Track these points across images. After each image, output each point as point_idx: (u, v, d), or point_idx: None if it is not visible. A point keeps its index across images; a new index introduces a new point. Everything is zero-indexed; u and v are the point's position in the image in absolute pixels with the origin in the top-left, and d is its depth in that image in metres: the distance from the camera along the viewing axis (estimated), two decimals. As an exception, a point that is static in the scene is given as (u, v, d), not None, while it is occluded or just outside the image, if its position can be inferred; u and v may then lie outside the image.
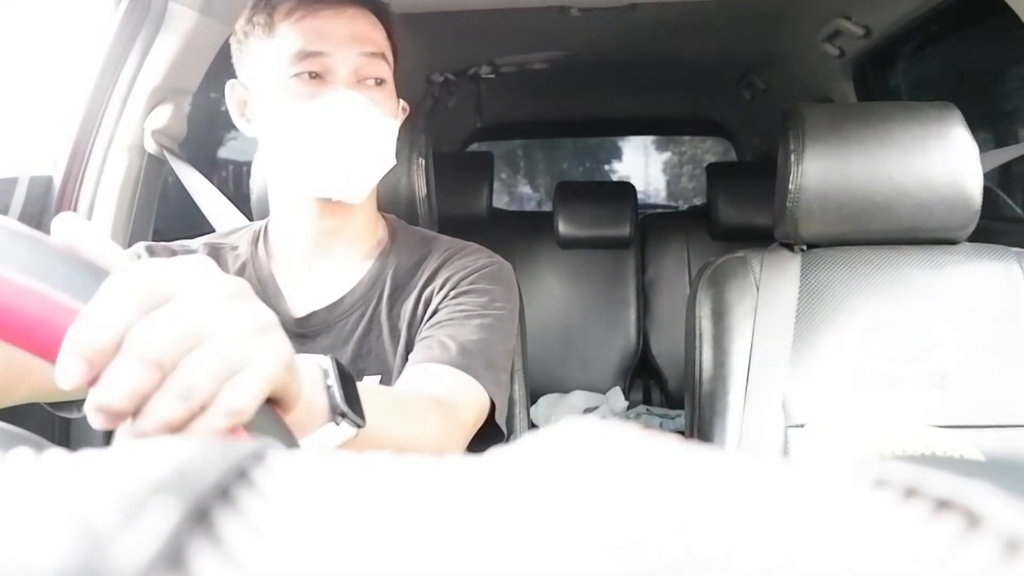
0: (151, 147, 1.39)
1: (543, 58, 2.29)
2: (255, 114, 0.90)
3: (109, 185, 1.37)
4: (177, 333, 0.35)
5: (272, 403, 0.41)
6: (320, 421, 0.49)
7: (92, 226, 0.39)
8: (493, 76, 2.43)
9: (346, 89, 0.84)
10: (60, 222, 0.38)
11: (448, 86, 2.49)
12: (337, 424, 0.49)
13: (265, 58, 0.87)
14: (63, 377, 0.34)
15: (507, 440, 1.07)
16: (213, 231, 1.42)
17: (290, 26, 0.85)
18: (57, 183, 1.35)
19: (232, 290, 0.38)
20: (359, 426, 0.51)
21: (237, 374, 0.36)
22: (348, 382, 0.51)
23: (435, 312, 0.88)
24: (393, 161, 0.92)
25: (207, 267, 0.38)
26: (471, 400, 0.79)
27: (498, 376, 0.83)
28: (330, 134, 0.83)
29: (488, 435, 0.84)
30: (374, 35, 0.87)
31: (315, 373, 0.50)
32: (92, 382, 0.35)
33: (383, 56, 0.87)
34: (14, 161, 1.34)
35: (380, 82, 0.87)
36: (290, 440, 0.40)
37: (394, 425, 0.61)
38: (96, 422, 0.35)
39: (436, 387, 0.76)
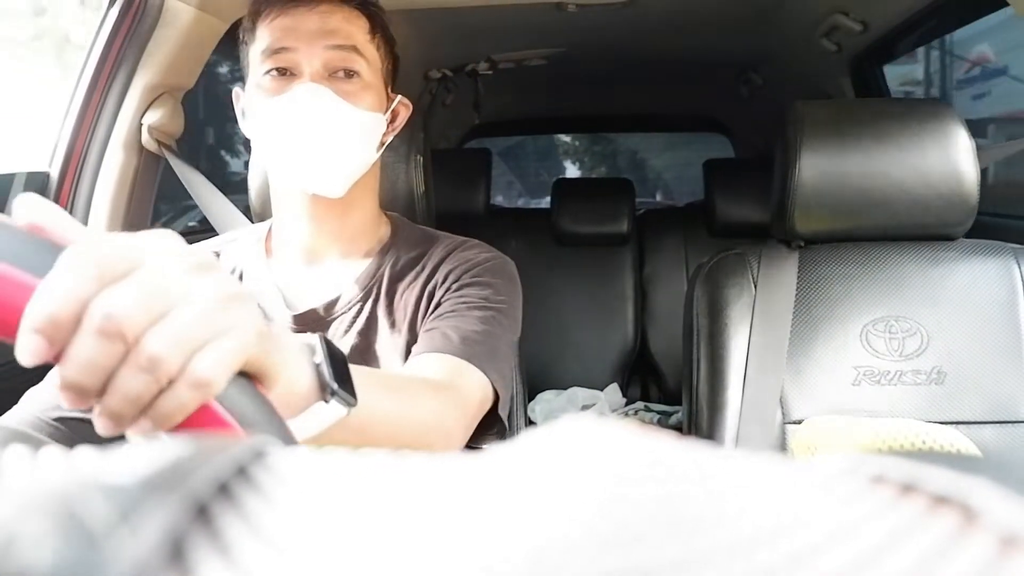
0: (148, 144, 1.38)
1: (541, 54, 2.29)
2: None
3: (106, 182, 1.37)
4: (138, 304, 0.34)
5: (252, 380, 0.40)
6: (309, 400, 0.47)
7: (54, 206, 0.38)
8: (491, 72, 2.42)
9: (311, 82, 0.84)
10: (21, 203, 0.37)
11: (446, 83, 2.49)
12: (327, 403, 0.48)
13: (249, 60, 0.90)
14: (22, 354, 0.33)
15: (505, 437, 1.07)
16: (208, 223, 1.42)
17: (266, 26, 0.87)
18: (54, 180, 1.34)
19: (197, 262, 0.37)
20: (350, 404, 0.49)
21: (204, 345, 0.36)
22: (338, 360, 0.50)
23: (438, 305, 0.88)
24: (374, 155, 0.92)
25: (170, 240, 0.38)
26: (473, 385, 0.78)
27: (501, 366, 0.83)
28: (294, 127, 0.85)
29: (491, 426, 0.83)
30: (346, 28, 0.87)
31: (302, 350, 0.48)
32: (56, 359, 0.34)
33: (355, 49, 0.87)
34: (11, 158, 1.34)
35: (353, 74, 0.88)
36: (273, 416, 0.39)
37: (388, 405, 0.60)
38: (66, 401, 0.35)
39: (437, 375, 0.75)
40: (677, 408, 2.24)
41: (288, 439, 0.40)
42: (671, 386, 2.34)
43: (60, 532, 0.14)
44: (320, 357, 0.49)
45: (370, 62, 0.89)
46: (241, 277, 0.94)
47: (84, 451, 0.18)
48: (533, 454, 0.18)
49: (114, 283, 0.34)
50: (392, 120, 0.96)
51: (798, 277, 1.23)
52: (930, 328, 1.17)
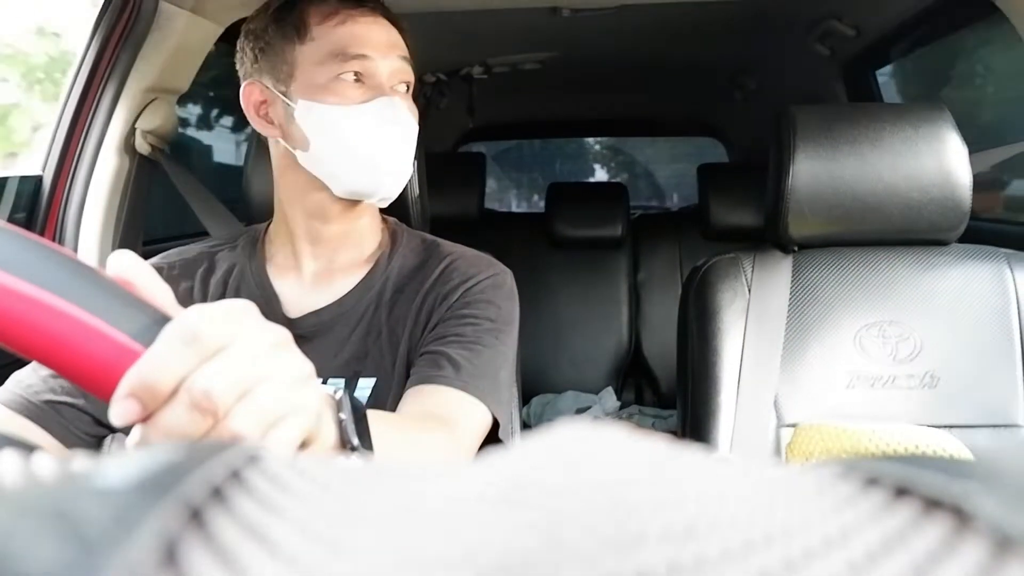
0: (142, 148, 1.38)
1: (535, 59, 2.29)
2: (278, 115, 0.89)
3: (99, 186, 1.36)
4: (231, 383, 0.37)
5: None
6: (330, 454, 0.49)
7: (144, 264, 0.41)
8: (485, 76, 2.43)
9: (392, 96, 0.87)
10: (115, 257, 0.40)
11: (440, 86, 2.49)
12: (347, 458, 0.50)
13: (298, 60, 0.86)
14: (117, 415, 0.36)
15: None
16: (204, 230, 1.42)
17: (329, 29, 0.86)
18: (47, 184, 1.34)
19: (276, 340, 0.40)
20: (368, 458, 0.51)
21: (278, 422, 0.39)
22: (359, 415, 0.52)
23: (438, 323, 0.87)
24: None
25: (254, 316, 0.40)
26: (474, 421, 0.80)
27: (501, 394, 0.84)
28: (379, 137, 0.86)
29: (489, 445, 0.84)
30: (403, 42, 0.91)
31: (328, 404, 0.50)
32: (141, 420, 0.36)
33: (411, 63, 0.91)
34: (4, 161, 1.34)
35: (409, 87, 0.91)
36: None
37: (398, 451, 0.62)
38: None
39: (440, 409, 0.77)
40: (671, 412, 2.25)
41: None
42: (665, 390, 2.35)
43: (53, 536, 0.13)
44: (345, 413, 0.51)
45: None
46: (238, 281, 0.92)
47: (76, 456, 0.18)
48: (528, 458, 0.18)
49: (210, 359, 0.37)
50: None
51: (792, 281, 1.23)
52: (923, 333, 1.18)
